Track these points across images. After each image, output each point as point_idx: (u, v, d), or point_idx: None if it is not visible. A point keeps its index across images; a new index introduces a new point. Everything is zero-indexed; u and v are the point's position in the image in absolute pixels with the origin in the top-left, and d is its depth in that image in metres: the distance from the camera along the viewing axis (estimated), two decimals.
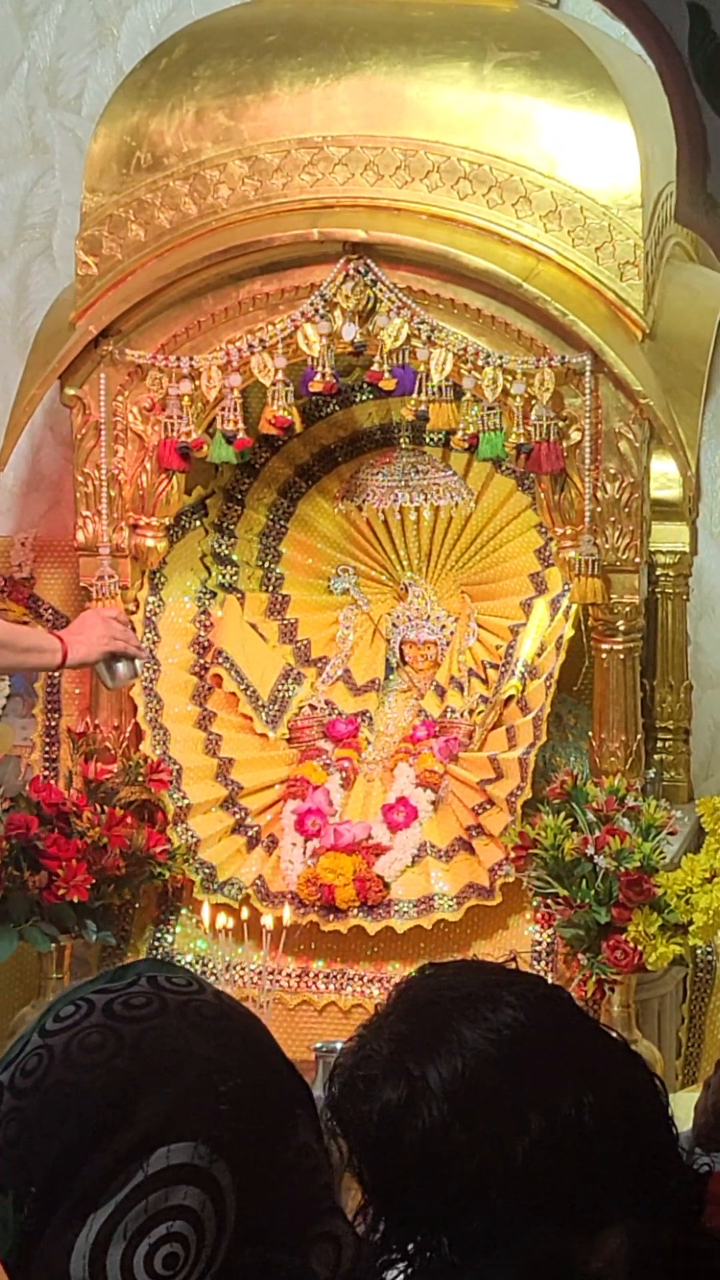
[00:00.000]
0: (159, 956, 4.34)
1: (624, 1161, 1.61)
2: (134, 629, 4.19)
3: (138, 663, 4.11)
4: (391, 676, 4.49)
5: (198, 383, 4.19)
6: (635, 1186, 1.60)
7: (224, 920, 4.20)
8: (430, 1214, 1.61)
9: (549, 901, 4.05)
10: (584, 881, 3.99)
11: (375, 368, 4.11)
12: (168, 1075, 1.43)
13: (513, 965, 1.81)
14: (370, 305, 4.11)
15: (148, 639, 4.36)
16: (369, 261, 4.10)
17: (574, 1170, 1.59)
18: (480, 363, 4.08)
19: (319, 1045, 3.97)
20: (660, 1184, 1.61)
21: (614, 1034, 1.71)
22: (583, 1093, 1.61)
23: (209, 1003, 1.48)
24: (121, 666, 4.05)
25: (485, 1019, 1.64)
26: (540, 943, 4.18)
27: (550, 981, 1.72)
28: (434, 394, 4.10)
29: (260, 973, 4.17)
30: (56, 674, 4.49)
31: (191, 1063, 1.44)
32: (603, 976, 4.00)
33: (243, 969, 4.24)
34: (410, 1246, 1.62)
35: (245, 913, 4.22)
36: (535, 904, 4.13)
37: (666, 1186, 1.61)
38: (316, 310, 4.12)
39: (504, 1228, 1.58)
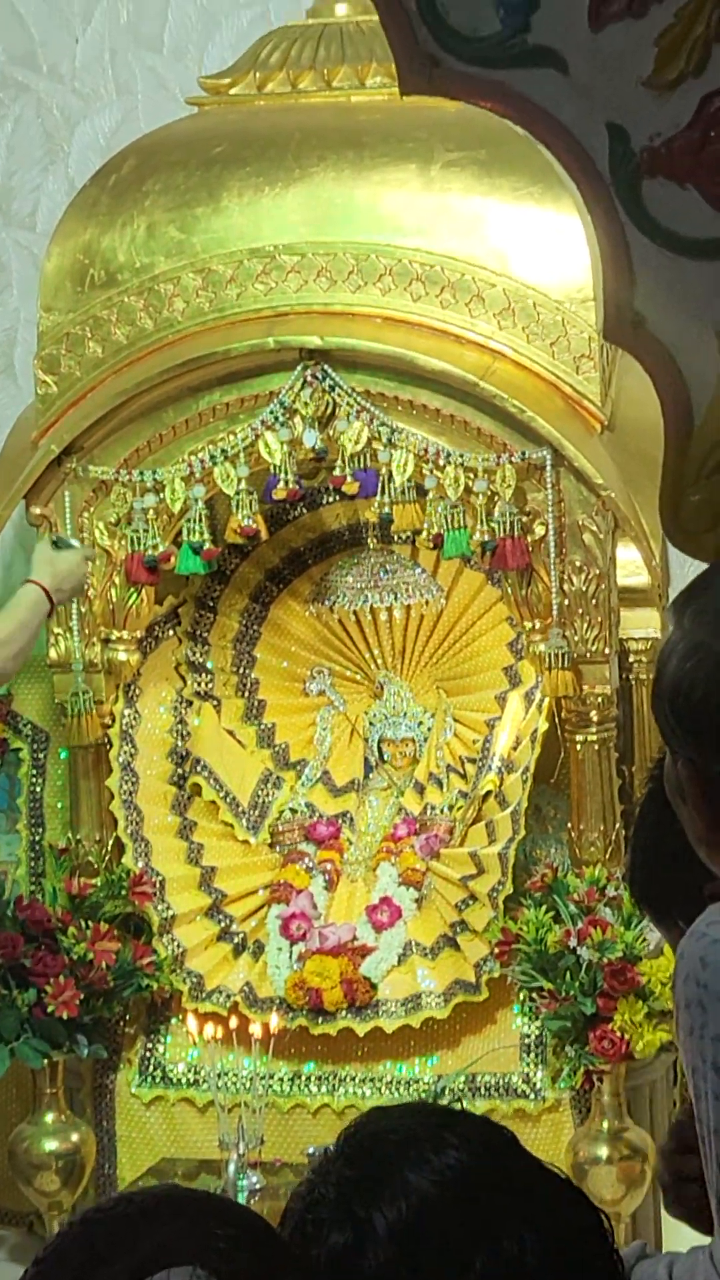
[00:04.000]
0: (151, 1067, 4.34)
1: None
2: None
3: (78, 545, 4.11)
4: (371, 775, 4.51)
5: (162, 495, 4.22)
6: None
7: (213, 1029, 4.20)
8: None
9: (535, 995, 4.06)
10: (568, 973, 4.00)
11: (338, 472, 4.14)
12: (170, 1218, 1.54)
13: (457, 1106, 1.83)
14: (329, 410, 4.15)
15: (125, 751, 4.37)
16: (326, 367, 4.14)
17: None
18: (441, 462, 4.11)
19: (312, 1150, 3.97)
20: None
21: (558, 1172, 1.73)
22: (526, 1232, 1.62)
23: (216, 1191, 1.62)
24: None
25: (429, 1161, 1.66)
26: (528, 1036, 4.18)
27: (493, 1120, 1.74)
28: (397, 495, 4.13)
29: (252, 1079, 4.17)
30: (38, 790, 4.51)
31: (191, 1214, 1.55)
32: (591, 1067, 4.00)
33: (235, 1076, 4.23)
34: None
35: (234, 1020, 4.22)
36: (522, 998, 4.14)
37: None
38: (276, 418, 4.16)
39: None
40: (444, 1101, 3.92)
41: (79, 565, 4.08)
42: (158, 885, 4.31)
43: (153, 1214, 1.53)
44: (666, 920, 2.13)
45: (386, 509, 4.15)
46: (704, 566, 2.22)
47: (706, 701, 1.91)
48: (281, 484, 4.15)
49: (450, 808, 4.38)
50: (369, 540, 4.44)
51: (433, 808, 4.40)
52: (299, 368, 4.14)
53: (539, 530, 4.12)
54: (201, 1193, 1.57)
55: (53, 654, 4.31)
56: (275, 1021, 4.17)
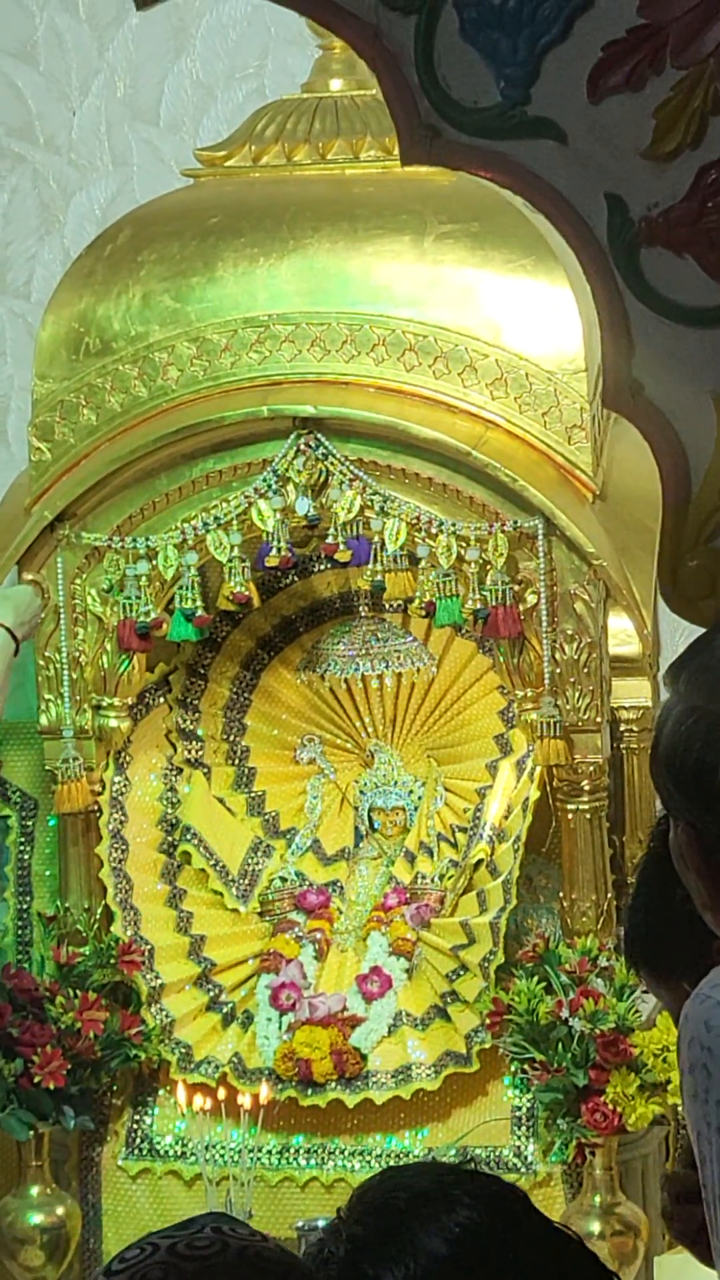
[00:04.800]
0: (138, 1139, 4.31)
1: None
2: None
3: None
4: (361, 844, 4.50)
5: (155, 562, 4.22)
6: None
7: (201, 1100, 4.17)
8: None
9: (526, 1066, 4.04)
10: (560, 1045, 3.98)
11: (330, 540, 4.15)
12: None
13: (469, 1165, 1.81)
14: (322, 479, 4.16)
15: (115, 819, 4.36)
16: (319, 436, 4.15)
17: None
18: (434, 530, 4.12)
19: (300, 1224, 3.94)
20: None
21: (569, 1231, 1.72)
22: None
23: (270, 1249, 1.53)
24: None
25: (438, 1219, 1.65)
26: (520, 1108, 4.16)
27: (504, 1180, 1.73)
28: (389, 563, 4.14)
29: (241, 1151, 4.14)
30: (27, 857, 4.50)
31: None
32: (583, 1140, 3.97)
33: (223, 1148, 4.20)
34: None
35: (223, 1091, 4.19)
36: (513, 1069, 4.12)
37: None
38: (269, 486, 4.17)
39: None
40: None
41: (34, 598, 4.15)
42: (146, 954, 4.29)
43: None
44: (669, 984, 2.12)
45: (379, 577, 4.15)
46: (698, 633, 2.22)
47: (702, 764, 1.91)
48: (274, 551, 4.15)
49: (441, 877, 4.37)
50: (360, 608, 4.44)
51: (423, 877, 4.39)
52: (292, 436, 4.16)
53: (531, 599, 4.13)
54: (265, 1264, 1.50)
55: (43, 720, 4.31)
56: (265, 1093, 4.15)
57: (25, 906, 4.46)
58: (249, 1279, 1.48)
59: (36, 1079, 4.11)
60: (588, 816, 4.18)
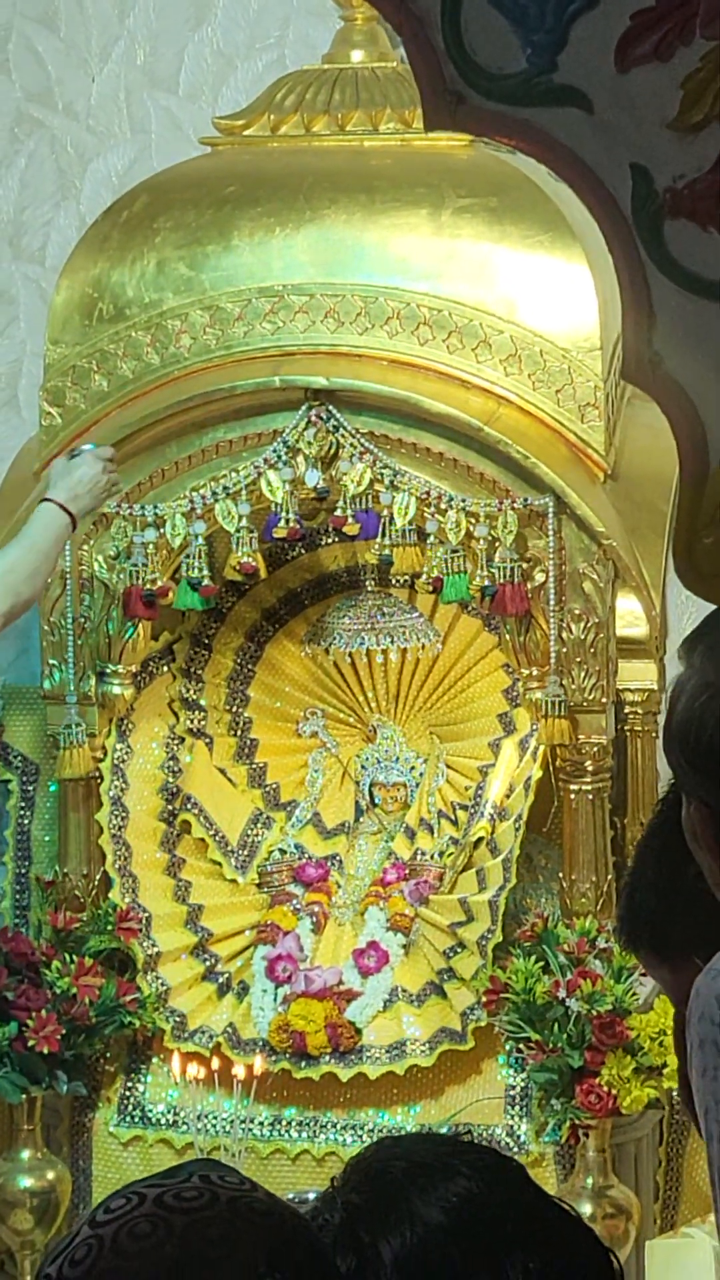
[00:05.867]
0: (130, 1106, 4.31)
1: None
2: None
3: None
4: (361, 819, 4.49)
5: (162, 530, 4.21)
6: None
7: (195, 1069, 4.16)
8: None
9: (521, 1046, 4.03)
10: (556, 1025, 3.97)
11: (339, 513, 4.14)
12: (214, 1264, 1.44)
13: (465, 1138, 1.81)
14: (333, 451, 4.14)
15: (115, 786, 4.35)
16: (331, 408, 4.14)
17: None
18: (443, 506, 4.11)
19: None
20: None
21: (566, 1206, 1.71)
22: (532, 1262, 1.61)
23: (259, 1199, 1.49)
24: None
25: (436, 1189, 1.65)
26: (514, 1087, 4.15)
27: (501, 1151, 1.73)
28: (398, 538, 4.13)
29: (233, 1122, 4.13)
30: (27, 822, 4.48)
31: (238, 1253, 1.44)
32: (577, 1121, 3.97)
33: (215, 1118, 4.20)
34: None
35: (216, 1061, 4.18)
36: (508, 1048, 4.11)
37: None
38: (279, 457, 4.15)
39: None
40: None
41: (94, 469, 4.02)
42: (144, 921, 4.28)
43: (196, 1254, 1.43)
44: (673, 963, 2.09)
45: (386, 551, 4.14)
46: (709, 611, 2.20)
47: (715, 742, 1.90)
48: (282, 523, 4.14)
49: (441, 854, 4.36)
50: (367, 582, 4.43)
51: (423, 853, 4.38)
52: (304, 407, 4.14)
53: (539, 577, 4.11)
54: (255, 1217, 1.46)
55: (47, 685, 4.30)
56: (258, 1064, 4.14)
57: (24, 871, 4.46)
58: (240, 1231, 1.45)
59: (31, 1043, 4.10)
60: (590, 797, 4.17)
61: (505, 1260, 1.60)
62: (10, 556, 3.93)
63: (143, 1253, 1.43)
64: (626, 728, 4.39)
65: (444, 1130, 4.11)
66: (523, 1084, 4.13)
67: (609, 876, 4.17)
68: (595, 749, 4.15)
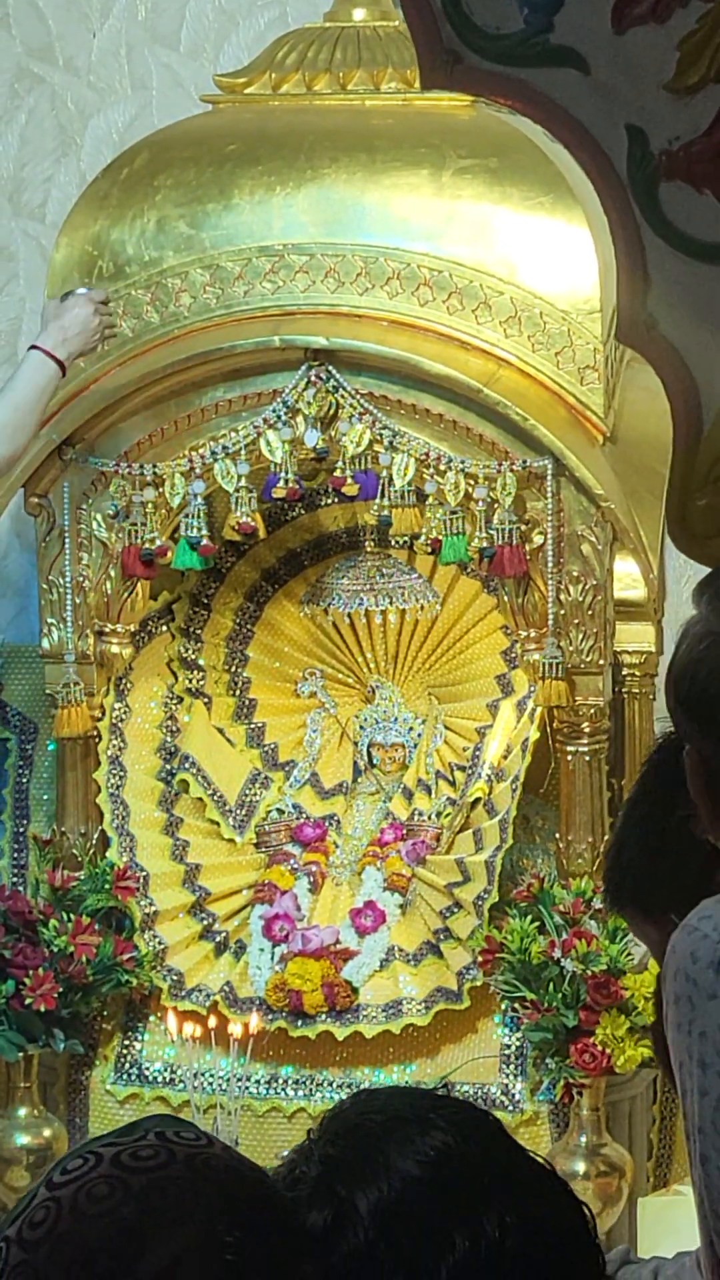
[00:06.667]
0: (127, 1064, 4.32)
1: None
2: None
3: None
4: (359, 779, 4.49)
5: (161, 490, 4.21)
6: None
7: (191, 1028, 4.18)
8: None
9: (517, 1005, 4.04)
10: (551, 985, 3.99)
11: (338, 473, 4.14)
12: (173, 1225, 1.43)
13: (443, 1091, 1.81)
14: (332, 411, 4.14)
15: (114, 745, 4.36)
16: (330, 368, 4.13)
17: None
18: (442, 467, 4.11)
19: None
20: None
21: (542, 1160, 1.72)
22: (508, 1215, 1.61)
23: (217, 1155, 1.49)
24: None
25: (412, 1141, 1.65)
26: (509, 1046, 4.17)
27: (479, 1106, 1.73)
28: (397, 499, 4.13)
29: (229, 1080, 4.15)
30: (25, 780, 4.49)
31: (198, 1213, 1.43)
32: (571, 1080, 3.98)
33: (211, 1076, 4.22)
34: None
35: (213, 1020, 4.20)
36: (504, 1008, 4.12)
37: None
38: (279, 417, 4.15)
39: None
40: None
41: (85, 310, 3.99)
42: (141, 880, 4.29)
43: (156, 1215, 1.43)
44: (657, 921, 2.11)
45: (385, 512, 4.14)
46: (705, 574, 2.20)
47: (706, 693, 1.91)
48: (281, 483, 4.14)
49: (438, 814, 4.37)
50: (366, 543, 4.43)
51: (420, 814, 4.39)
52: (303, 368, 4.14)
53: (537, 539, 4.11)
54: (213, 1174, 1.45)
55: (45, 644, 4.30)
56: (255, 1022, 4.16)
57: (21, 829, 4.47)
58: (199, 1190, 1.44)
59: (28, 1001, 4.12)
60: (587, 759, 4.18)
61: (481, 1214, 1.61)
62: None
63: (101, 1215, 1.42)
64: (624, 690, 4.39)
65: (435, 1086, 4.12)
66: (518, 1043, 4.14)
67: (605, 838, 4.17)
68: (592, 711, 4.16)
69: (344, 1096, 4.42)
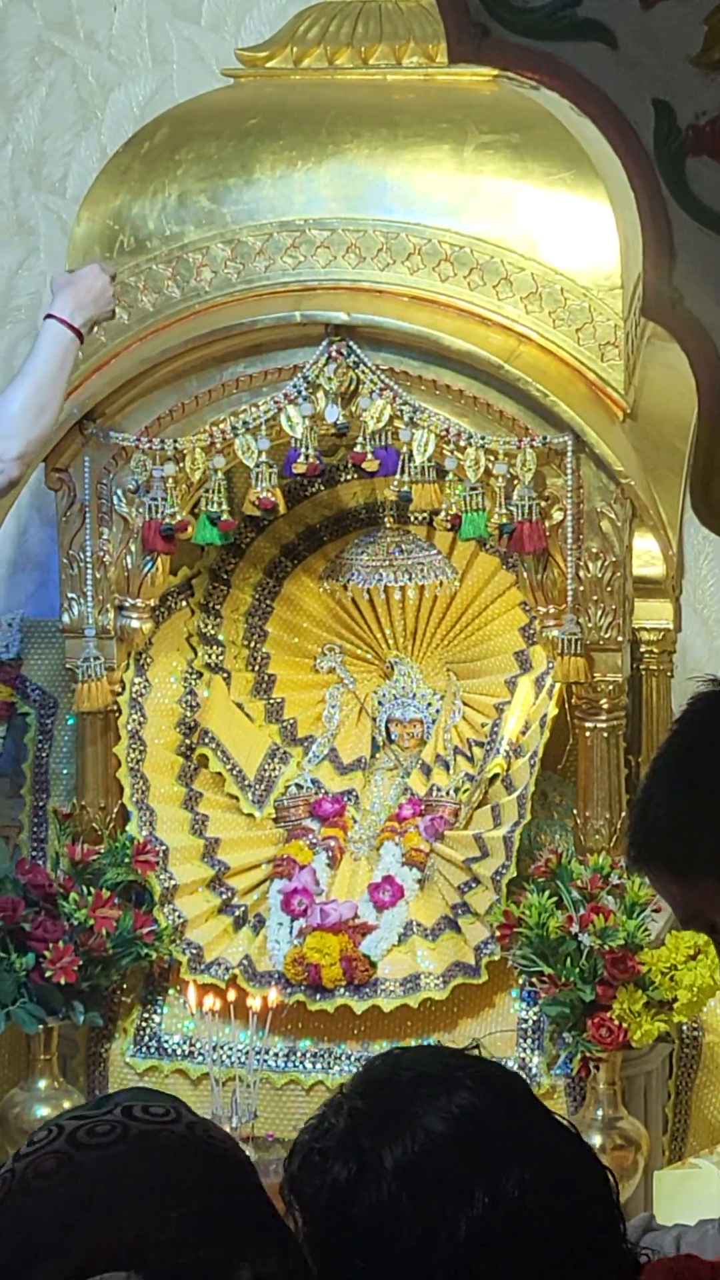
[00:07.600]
0: (146, 1037, 4.34)
1: (563, 1244, 1.63)
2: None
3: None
4: (378, 755, 4.50)
5: (182, 465, 4.21)
6: (572, 1269, 1.62)
7: (211, 1001, 4.20)
8: None
9: (534, 980, 4.05)
10: (569, 959, 4.00)
11: (358, 449, 4.14)
12: (113, 1203, 1.42)
13: (475, 1051, 1.83)
14: (353, 387, 4.14)
15: (133, 719, 4.37)
16: (351, 344, 4.13)
17: (514, 1249, 1.62)
18: (462, 443, 4.11)
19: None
20: (596, 1269, 1.63)
21: (567, 1122, 1.74)
22: (528, 1174, 1.63)
23: (177, 1132, 1.48)
24: None
25: (439, 1099, 1.67)
26: (526, 1020, 4.18)
27: (507, 1067, 1.75)
28: (417, 475, 4.13)
29: (248, 1053, 4.17)
30: (45, 755, 4.51)
31: (140, 1192, 1.43)
32: (588, 1054, 4.00)
33: (230, 1049, 4.23)
34: None
35: (232, 993, 4.22)
36: (521, 982, 4.14)
37: (602, 1272, 1.63)
38: (299, 392, 4.15)
39: None
40: None
41: (98, 280, 4.00)
42: (161, 855, 4.30)
43: (92, 1200, 1.42)
44: (689, 881, 2.08)
45: (405, 488, 4.14)
46: None
47: None
48: (301, 458, 4.14)
49: (456, 790, 4.38)
50: (385, 519, 4.43)
51: (438, 789, 4.40)
52: (324, 343, 4.14)
53: (557, 515, 4.12)
54: (164, 1154, 1.44)
55: (66, 619, 4.31)
56: (274, 996, 4.17)
57: (42, 804, 4.49)
58: (151, 1169, 1.43)
59: (48, 974, 4.13)
60: (605, 735, 4.19)
61: (502, 1173, 1.62)
62: (19, 397, 3.90)
63: (47, 1190, 1.42)
64: (642, 666, 4.40)
65: None
66: (535, 1017, 4.16)
67: (623, 814, 4.18)
68: (610, 687, 4.16)
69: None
